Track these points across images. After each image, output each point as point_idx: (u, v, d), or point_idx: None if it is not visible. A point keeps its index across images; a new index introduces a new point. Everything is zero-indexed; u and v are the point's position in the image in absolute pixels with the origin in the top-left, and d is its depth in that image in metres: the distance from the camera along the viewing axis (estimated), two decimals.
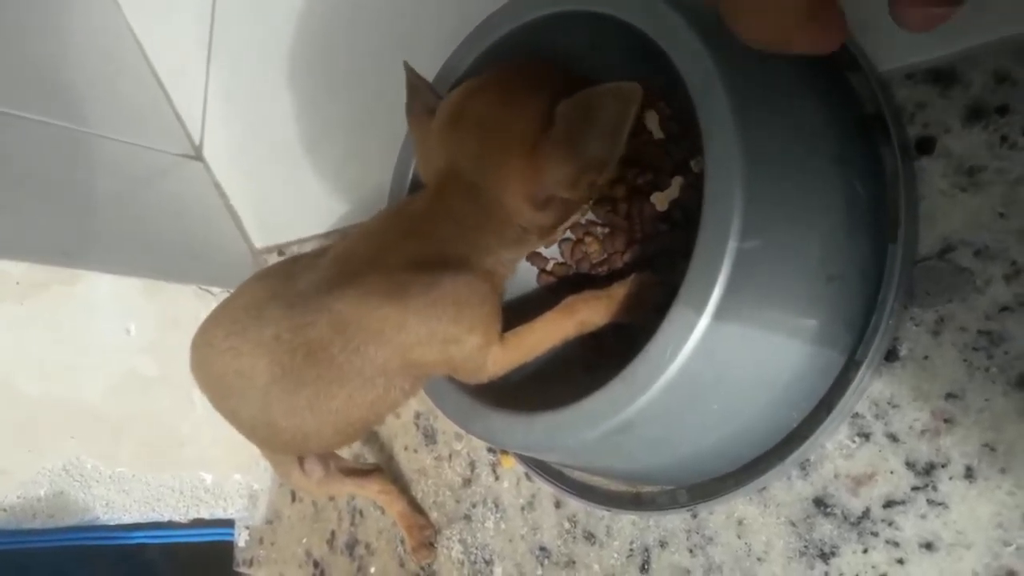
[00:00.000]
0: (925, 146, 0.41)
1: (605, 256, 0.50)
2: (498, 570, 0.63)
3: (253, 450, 0.60)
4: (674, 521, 0.50)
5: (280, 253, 0.94)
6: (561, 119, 0.38)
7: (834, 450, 0.43)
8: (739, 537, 0.47)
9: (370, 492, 0.70)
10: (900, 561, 0.40)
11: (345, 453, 0.79)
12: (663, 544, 0.51)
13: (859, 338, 0.41)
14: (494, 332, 0.43)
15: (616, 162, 0.37)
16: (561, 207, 0.42)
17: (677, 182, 0.46)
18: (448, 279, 0.41)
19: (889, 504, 0.41)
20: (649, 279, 0.42)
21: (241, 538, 0.97)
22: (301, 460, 0.65)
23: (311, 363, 0.42)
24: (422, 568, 0.69)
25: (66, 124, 0.81)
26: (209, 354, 0.46)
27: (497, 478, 0.64)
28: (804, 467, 0.44)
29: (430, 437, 0.71)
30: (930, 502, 0.39)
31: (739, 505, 0.47)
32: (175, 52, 0.92)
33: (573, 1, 0.41)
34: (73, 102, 0.82)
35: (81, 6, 0.88)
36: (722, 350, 0.36)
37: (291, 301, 0.43)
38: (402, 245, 0.42)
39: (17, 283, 0.75)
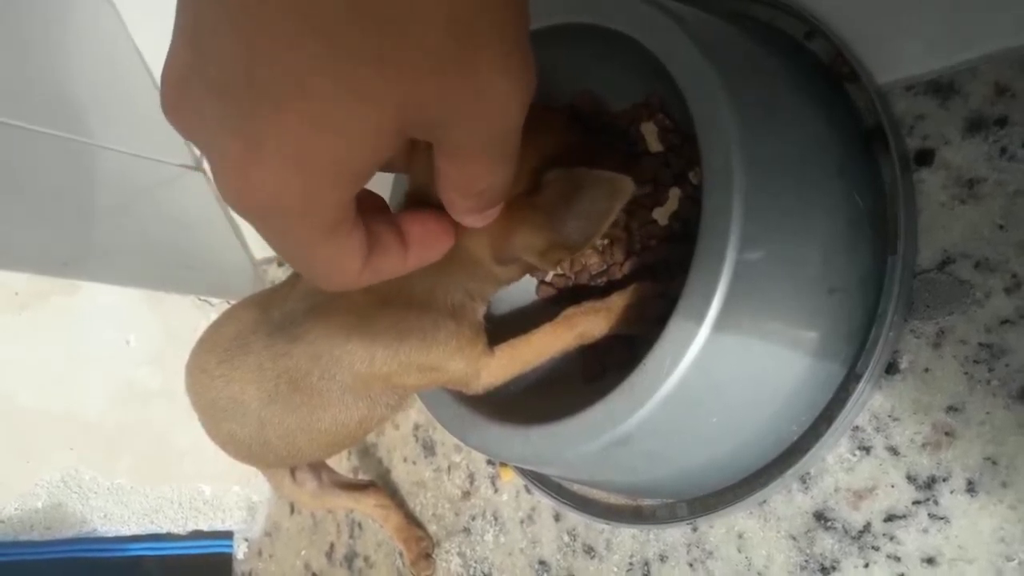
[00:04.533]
0: (924, 158, 0.40)
1: (604, 268, 0.50)
2: None
3: None
4: (674, 535, 0.50)
5: (280, 264, 0.94)
6: (548, 188, 0.35)
7: (835, 463, 0.42)
8: (739, 551, 0.46)
9: (366, 506, 0.70)
10: None
11: (343, 466, 0.79)
12: (663, 558, 0.50)
13: (859, 350, 0.41)
14: (476, 353, 0.42)
15: (585, 248, 0.36)
16: (524, 267, 0.41)
17: (675, 194, 0.46)
18: (413, 316, 0.40)
19: (890, 518, 0.40)
20: (650, 290, 0.42)
21: (240, 550, 0.96)
22: (293, 470, 0.65)
23: (294, 390, 0.43)
24: None
25: (67, 135, 0.81)
26: (203, 379, 0.47)
27: (496, 491, 0.63)
28: (804, 480, 0.43)
29: (429, 449, 0.71)
30: (931, 516, 0.39)
31: (739, 519, 0.46)
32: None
33: (574, 13, 0.41)
34: (74, 113, 0.82)
35: (82, 16, 0.88)
36: (721, 362, 0.35)
37: (270, 330, 0.44)
38: None
39: (16, 294, 0.75)
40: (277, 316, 0.44)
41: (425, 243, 0.30)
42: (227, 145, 0.20)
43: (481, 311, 0.43)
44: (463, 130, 0.23)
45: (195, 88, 0.20)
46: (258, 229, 0.23)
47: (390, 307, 0.40)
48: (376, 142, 0.21)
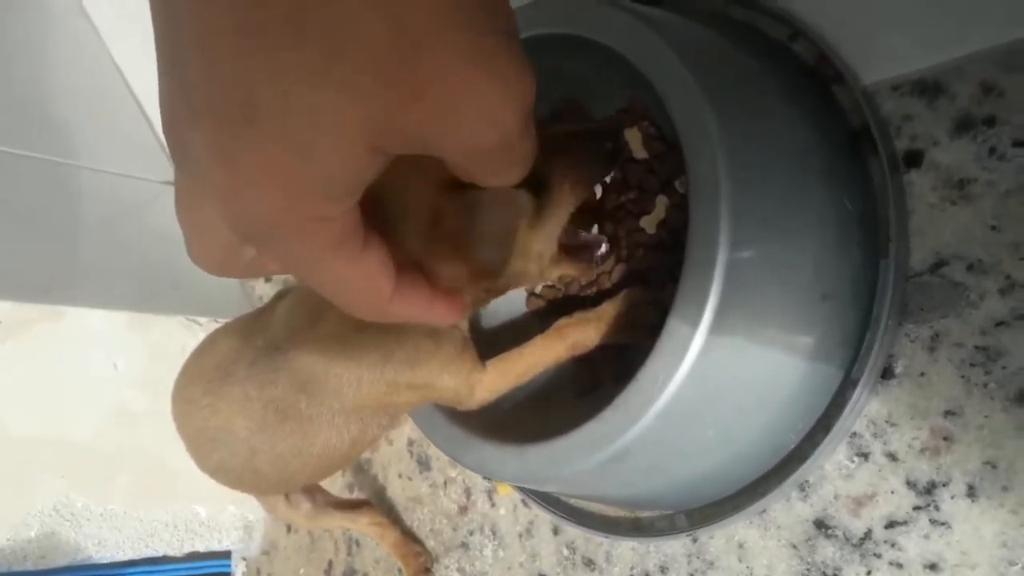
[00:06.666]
0: (913, 159, 0.40)
1: (593, 277, 0.49)
2: None
3: None
4: (674, 546, 0.49)
5: (267, 280, 0.93)
6: (446, 217, 0.32)
7: (833, 471, 0.42)
8: (740, 561, 0.46)
9: (361, 525, 0.69)
10: None
11: (337, 483, 0.78)
12: (663, 570, 0.50)
13: (855, 356, 0.40)
14: (464, 369, 0.42)
15: (506, 270, 0.35)
16: (483, 296, 0.39)
17: (662, 202, 0.45)
18: (392, 339, 0.40)
19: (891, 525, 0.40)
20: (640, 296, 0.41)
21: (238, 570, 0.96)
22: (287, 494, 0.64)
23: (283, 419, 0.42)
24: None
25: (47, 156, 0.80)
26: (190, 410, 0.46)
27: (494, 505, 0.63)
28: (803, 489, 0.43)
29: (424, 464, 0.70)
30: (932, 522, 0.38)
31: (739, 528, 0.46)
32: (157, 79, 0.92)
33: (556, 24, 0.41)
34: (55, 134, 0.81)
35: (61, 36, 0.87)
36: (716, 372, 0.35)
37: (252, 359, 0.43)
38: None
39: (0, 322, 0.74)
40: (260, 343, 0.44)
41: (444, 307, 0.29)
42: (213, 172, 0.20)
43: (464, 325, 0.42)
44: (453, 148, 0.21)
45: (179, 117, 0.20)
46: (271, 255, 0.23)
47: (366, 332, 0.40)
48: (349, 161, 0.20)
